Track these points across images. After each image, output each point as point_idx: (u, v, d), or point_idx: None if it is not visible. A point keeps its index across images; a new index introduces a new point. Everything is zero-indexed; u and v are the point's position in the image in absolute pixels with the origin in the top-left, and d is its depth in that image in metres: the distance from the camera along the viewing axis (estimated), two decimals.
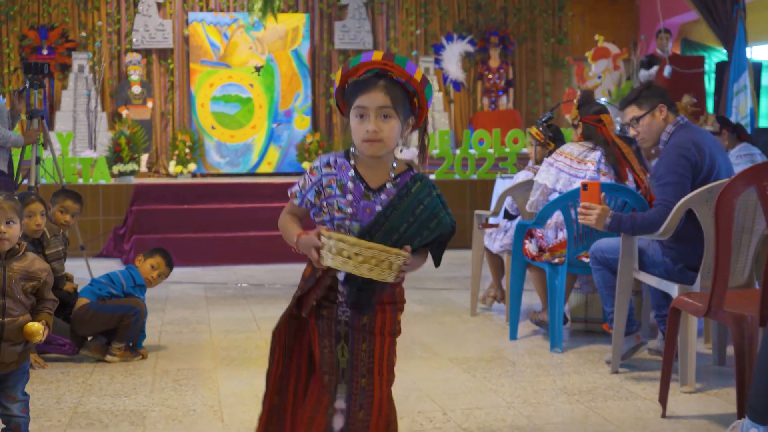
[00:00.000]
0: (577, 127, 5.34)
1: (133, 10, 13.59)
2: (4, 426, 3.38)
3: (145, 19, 13.54)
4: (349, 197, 2.60)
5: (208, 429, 3.74)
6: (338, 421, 2.59)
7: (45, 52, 13.25)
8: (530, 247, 5.32)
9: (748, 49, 13.19)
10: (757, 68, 11.94)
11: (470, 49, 14.28)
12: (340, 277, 2.59)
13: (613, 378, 4.51)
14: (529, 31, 14.84)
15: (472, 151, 11.38)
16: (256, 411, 4.00)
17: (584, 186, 4.31)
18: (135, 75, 13.36)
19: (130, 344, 5.01)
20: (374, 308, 2.62)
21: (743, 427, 3.25)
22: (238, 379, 4.60)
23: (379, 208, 2.59)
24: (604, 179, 5.05)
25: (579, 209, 4.31)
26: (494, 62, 14.51)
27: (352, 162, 2.63)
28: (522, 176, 5.98)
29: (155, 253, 5.38)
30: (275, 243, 9.49)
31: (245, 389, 4.40)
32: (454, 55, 14.15)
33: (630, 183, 5.12)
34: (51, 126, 12.50)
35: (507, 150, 11.33)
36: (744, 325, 3.44)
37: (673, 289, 4.24)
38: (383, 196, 2.60)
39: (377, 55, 2.60)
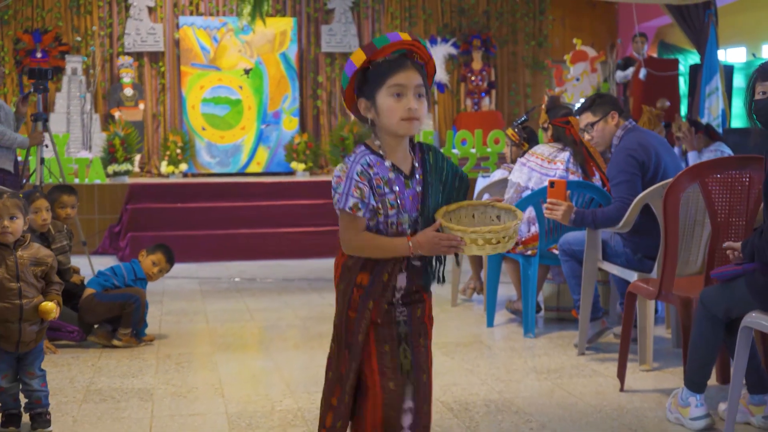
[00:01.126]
0: (547, 130, 5.76)
1: (125, 14, 13.92)
2: (27, 400, 3.79)
3: (136, 23, 13.87)
4: (396, 189, 2.58)
5: (211, 403, 4.14)
6: (407, 419, 2.60)
7: (39, 55, 13.57)
8: None
9: (721, 52, 13.68)
10: (728, 71, 12.38)
11: (454, 51, 14.66)
12: (401, 279, 2.64)
13: (580, 359, 4.93)
14: (511, 35, 15.23)
15: (455, 150, 11.81)
16: (253, 387, 4.45)
17: (551, 184, 4.72)
18: (127, 77, 13.70)
19: (134, 332, 5.40)
20: (424, 301, 2.70)
21: (682, 395, 3.68)
22: (236, 361, 5.00)
23: (419, 189, 2.61)
24: (572, 177, 5.47)
25: (546, 206, 4.73)
26: (477, 64, 14.90)
27: (383, 154, 2.61)
28: (498, 175, 6.41)
29: (157, 249, 5.78)
30: (265, 239, 9.95)
31: (243, 370, 4.80)
32: (438, 58, 14.51)
33: (596, 180, 5.54)
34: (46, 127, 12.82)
35: (488, 150, 11.76)
36: (690, 306, 3.87)
37: (633, 277, 4.65)
38: (417, 177, 2.62)
39: (405, 36, 2.60)
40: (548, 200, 4.71)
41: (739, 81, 13.14)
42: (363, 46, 2.59)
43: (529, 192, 5.53)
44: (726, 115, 11.62)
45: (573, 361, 4.90)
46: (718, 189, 3.81)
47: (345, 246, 2.62)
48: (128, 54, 13.83)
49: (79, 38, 13.69)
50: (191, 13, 14.07)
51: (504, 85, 15.27)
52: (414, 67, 2.56)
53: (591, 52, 12.74)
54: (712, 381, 4.01)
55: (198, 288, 7.78)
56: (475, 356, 5.04)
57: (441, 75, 14.49)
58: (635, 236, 4.74)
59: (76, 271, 5.75)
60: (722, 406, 3.75)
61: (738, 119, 12.68)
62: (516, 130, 6.32)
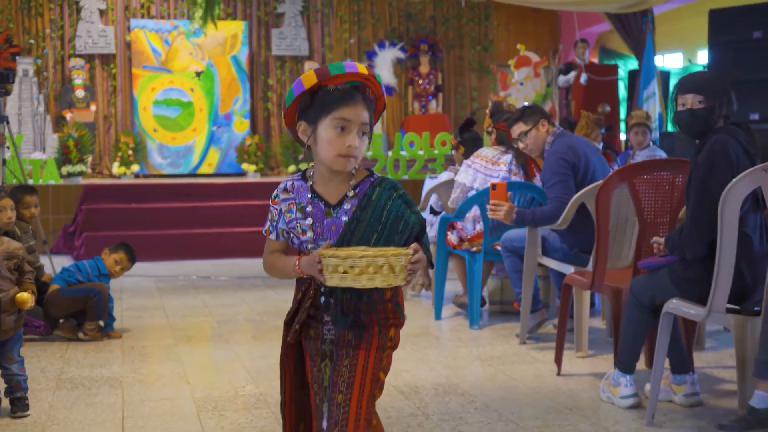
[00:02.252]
0: (491, 133, 6.12)
1: (77, 16, 14.04)
2: (6, 385, 4.04)
3: (87, 25, 14.00)
4: (309, 220, 2.53)
5: (178, 389, 4.42)
6: None
7: None
8: (452, 237, 6.08)
9: (660, 58, 14.22)
10: (666, 76, 12.88)
11: (401, 55, 14.99)
12: (321, 298, 2.53)
13: (521, 348, 5.29)
14: (457, 39, 15.61)
15: (403, 152, 12.15)
16: (217, 375, 4.73)
17: (493, 186, 5.07)
18: (78, 79, 13.83)
19: (102, 324, 5.64)
20: (363, 324, 2.52)
21: (613, 376, 4.05)
22: (198, 352, 5.28)
23: (344, 219, 2.51)
24: (514, 178, 5.83)
25: (489, 206, 5.08)
26: (424, 68, 15.26)
27: (309, 182, 2.56)
28: (445, 176, 6.76)
29: (119, 248, 6.02)
30: (218, 239, 10.19)
31: (205, 360, 5.09)
32: (386, 62, 14.84)
33: (537, 181, 5.90)
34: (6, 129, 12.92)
35: (435, 152, 12.12)
36: (620, 296, 4.24)
37: (570, 270, 5.01)
38: (347, 207, 2.52)
39: (362, 69, 2.51)
40: (491, 202, 5.06)
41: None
42: (316, 70, 2.48)
43: (474, 192, 5.87)
44: (663, 118, 12.10)
45: (515, 349, 5.25)
46: (646, 189, 4.18)
47: (264, 268, 2.67)
48: (79, 56, 13.96)
49: (31, 40, 13.78)
50: (143, 16, 14.24)
51: (451, 88, 15.65)
52: (364, 102, 2.48)
53: (534, 58, 13.16)
54: (642, 365, 4.39)
55: (155, 286, 8.01)
56: (425, 346, 5.37)
57: (389, 78, 14.81)
58: (571, 232, 5.10)
59: (41, 269, 5.98)
60: (648, 386, 4.12)
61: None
62: (453, 134, 6.67)
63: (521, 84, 12.98)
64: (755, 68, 9.57)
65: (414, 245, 2.39)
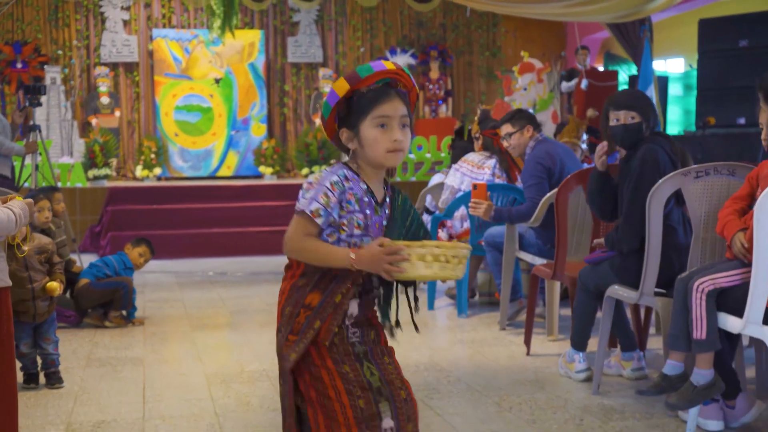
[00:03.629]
0: (478, 140, 6.72)
1: (101, 26, 14.73)
2: (42, 362, 4.68)
3: (112, 35, 14.69)
4: (367, 212, 2.53)
5: (192, 367, 5.05)
6: None
7: (19, 65, 14.36)
8: (442, 235, 6.68)
9: (662, 62, 14.77)
10: (663, 81, 13.41)
11: (412, 61, 15.58)
12: (353, 305, 2.55)
13: (500, 333, 5.88)
14: (466, 45, 16.20)
15: (411, 155, 12.76)
16: (226, 355, 5.35)
17: (474, 186, 5.67)
18: (103, 86, 14.52)
19: (124, 314, 6.28)
20: (372, 322, 2.62)
21: (569, 354, 4.64)
22: (213, 337, 5.92)
23: (384, 222, 2.57)
24: (498, 181, 6.43)
25: (470, 204, 5.67)
26: (434, 74, 15.86)
27: (361, 175, 2.56)
28: (436, 179, 7.36)
29: (141, 243, 6.69)
30: (235, 238, 10.83)
31: (217, 343, 5.72)
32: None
33: (519, 183, 6.49)
34: (25, 134, 13.63)
35: (442, 154, 12.72)
36: (576, 284, 4.83)
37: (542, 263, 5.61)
38: (386, 210, 2.58)
39: (390, 65, 2.55)
40: (472, 200, 5.65)
41: (675, 90, 14.20)
42: (346, 76, 2.53)
43: (461, 193, 6.47)
44: (660, 122, 12.63)
45: (495, 334, 5.85)
46: None
47: (286, 246, 2.53)
48: (104, 64, 14.64)
49: (59, 50, 14.47)
50: (164, 26, 14.91)
51: (460, 93, 16.23)
52: (398, 96, 2.52)
53: (537, 64, 13.69)
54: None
55: (175, 281, 8.65)
56: (413, 332, 5.95)
57: None
58: (545, 230, 5.68)
59: (74, 262, 6.64)
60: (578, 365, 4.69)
61: (672, 125, 13.73)
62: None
63: (525, 89, 13.51)
64: (741, 75, 10.10)
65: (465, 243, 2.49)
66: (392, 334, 2.64)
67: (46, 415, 4.13)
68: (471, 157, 6.63)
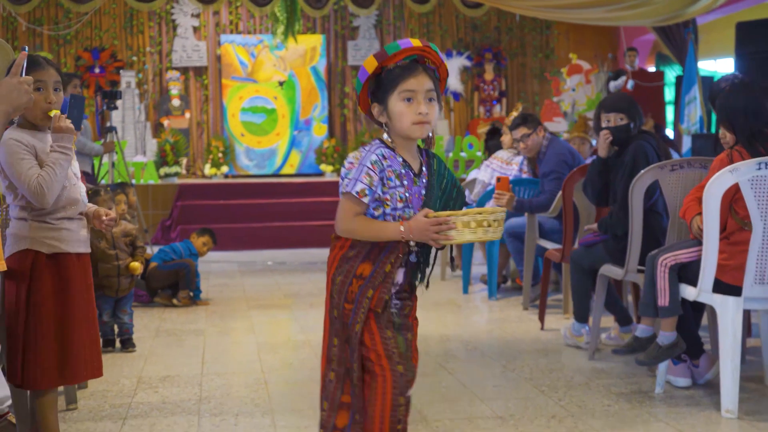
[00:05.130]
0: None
1: (173, 33, 15.63)
2: (118, 330, 5.47)
3: (183, 41, 15.58)
4: (406, 184, 2.68)
5: (246, 337, 5.81)
6: (408, 407, 2.74)
7: (97, 70, 15.34)
8: None
9: (712, 62, 15.19)
10: (709, 81, 13.84)
11: (468, 63, 16.22)
12: (400, 274, 2.75)
13: (523, 312, 6.52)
14: (520, 48, 16.76)
15: (462, 154, 13.41)
16: (276, 328, 6.09)
17: (498, 179, 6.31)
18: (175, 90, 15.43)
19: (191, 295, 7.06)
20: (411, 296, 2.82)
21: (574, 327, 5.26)
22: (266, 315, 6.67)
23: (423, 191, 2.71)
24: (524, 176, 7.06)
25: (494, 195, 6.32)
26: (489, 75, 16.47)
27: (397, 150, 2.70)
28: (473, 174, 8.02)
29: (205, 233, 7.50)
30: (295, 231, 11.59)
31: (269, 319, 6.48)
32: (453, 69, 16.06)
33: None
34: (103, 135, 14.60)
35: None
36: None
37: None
38: (423, 179, 2.72)
39: (416, 42, 2.67)
40: (495, 191, 6.29)
41: None
42: (375, 54, 2.70)
43: (491, 187, 7.12)
44: (703, 121, 13.08)
45: (518, 314, 6.49)
46: None
47: (339, 227, 2.71)
48: (176, 69, 15.54)
49: (133, 56, 15.41)
50: (231, 32, 15.76)
51: (514, 93, 16.80)
52: (425, 72, 2.66)
53: (585, 66, 14.24)
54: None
55: (237, 269, 9.44)
56: (446, 312, 6.64)
57: (456, 85, 16.05)
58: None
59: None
60: (603, 335, 5.32)
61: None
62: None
63: (573, 90, 14.08)
64: None
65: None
66: (426, 286, 2.85)
67: (120, 371, 4.91)
68: (500, 154, 7.28)
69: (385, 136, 2.72)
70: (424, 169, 2.73)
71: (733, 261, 3.92)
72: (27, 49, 2.95)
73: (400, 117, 2.65)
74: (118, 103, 10.09)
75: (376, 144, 2.70)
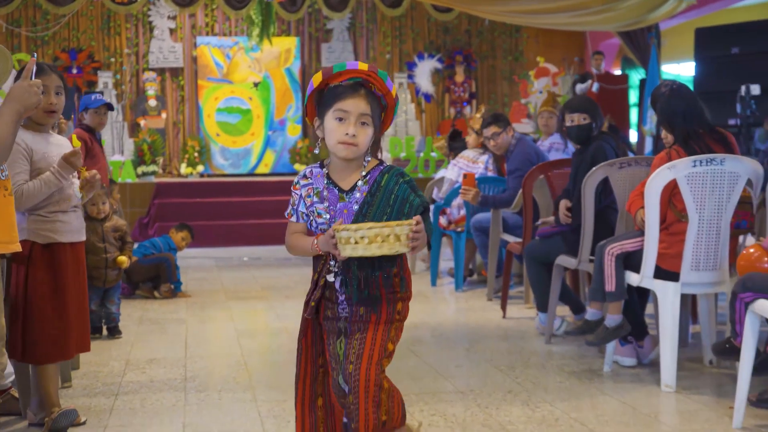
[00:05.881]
0: (480, 134, 7.73)
1: (149, 35, 15.89)
2: (105, 319, 5.80)
3: (159, 42, 15.84)
4: (326, 203, 2.78)
5: (225, 324, 6.16)
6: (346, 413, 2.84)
7: (75, 71, 15.57)
8: (443, 221, 7.71)
9: (675, 66, 15.67)
10: None
11: (439, 66, 16.60)
12: (330, 278, 2.81)
13: (487, 303, 6.90)
14: (490, 50, 17.15)
15: (432, 154, 13.80)
16: (254, 317, 6.44)
17: (464, 176, 6.69)
18: (151, 90, 15.70)
19: (172, 288, 7.38)
20: (375, 299, 2.78)
21: (542, 318, 5.63)
22: (244, 305, 7.02)
23: (355, 207, 2.76)
24: (490, 174, 7.45)
25: (460, 191, 6.69)
26: (459, 77, 16.86)
27: (325, 170, 2.81)
28: (441, 173, 8.40)
29: (183, 228, 7.85)
30: (270, 228, 11.91)
31: (247, 308, 6.83)
32: (425, 71, 16.46)
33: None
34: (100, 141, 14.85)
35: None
36: None
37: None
38: (357, 195, 2.76)
39: (363, 66, 2.74)
40: (462, 187, 6.67)
41: None
42: (322, 69, 2.78)
43: (458, 185, 7.50)
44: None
45: (482, 304, 6.88)
46: (557, 179, 5.78)
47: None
48: (152, 70, 15.79)
49: (111, 58, 15.67)
50: (207, 34, 16.04)
51: (484, 95, 17.19)
52: (366, 96, 2.73)
53: (552, 69, 14.69)
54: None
55: (214, 264, 9.77)
56: (415, 303, 6.92)
57: (427, 87, 16.43)
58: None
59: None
60: (557, 323, 5.69)
61: None
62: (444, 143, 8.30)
63: (540, 92, 14.51)
64: (733, 79, 11.04)
65: (416, 217, 2.67)
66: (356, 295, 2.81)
67: (109, 355, 5.25)
68: (467, 153, 7.66)
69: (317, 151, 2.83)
70: (359, 185, 2.78)
71: (672, 249, 4.33)
72: (35, 55, 3.29)
73: (329, 134, 2.75)
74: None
75: (311, 165, 2.89)
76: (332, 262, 2.80)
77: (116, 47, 15.83)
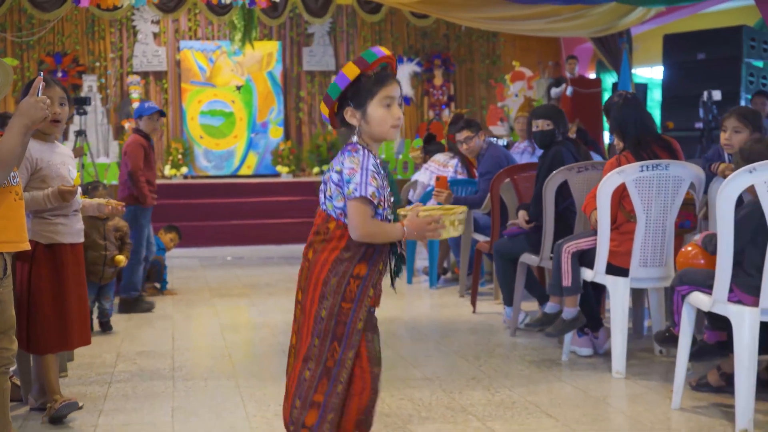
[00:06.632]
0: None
1: (133, 39, 16.16)
2: (98, 313, 6.14)
3: (143, 46, 16.12)
4: (385, 184, 2.87)
5: (210, 319, 6.52)
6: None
7: (60, 74, 15.86)
8: None
9: (647, 69, 16.09)
10: (643, 88, 14.74)
11: (418, 69, 16.93)
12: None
13: (459, 299, 7.27)
14: (468, 54, 17.50)
15: (412, 155, 14.16)
16: (238, 312, 6.80)
17: (437, 178, 7.05)
18: (135, 93, 15.96)
19: (158, 286, 7.72)
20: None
21: (506, 313, 6.00)
22: (228, 302, 7.37)
23: (389, 189, 2.90)
24: (460, 177, 7.82)
25: (433, 193, 7.04)
26: (438, 80, 17.22)
27: (373, 152, 2.86)
28: (416, 176, 8.77)
29: (171, 229, 8.24)
30: (252, 229, 12.27)
31: (231, 305, 7.18)
32: (404, 75, 16.75)
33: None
34: (66, 137, 15.15)
35: None
36: None
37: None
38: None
39: (387, 50, 2.86)
40: (435, 189, 7.02)
41: (656, 94, 15.53)
42: (354, 61, 2.83)
43: (430, 188, 7.87)
44: None
45: (454, 300, 7.25)
46: (523, 182, 6.15)
47: (357, 232, 2.78)
48: (136, 73, 16.06)
49: (96, 62, 15.95)
50: (190, 38, 16.33)
51: (462, 98, 17.55)
52: (396, 79, 2.88)
53: (528, 72, 15.08)
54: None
55: (198, 264, 10.11)
56: (390, 299, 7.32)
57: (407, 90, 16.78)
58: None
59: None
60: (521, 316, 6.05)
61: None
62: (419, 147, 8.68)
63: (516, 95, 14.91)
64: (699, 85, 11.43)
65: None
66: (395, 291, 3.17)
67: (101, 348, 5.60)
68: (437, 157, 8.04)
69: (354, 138, 2.85)
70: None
71: (622, 247, 4.72)
72: (42, 74, 3.63)
73: (380, 121, 2.81)
74: (88, 108, 10.66)
75: (358, 147, 2.83)
76: (401, 249, 2.92)
77: (101, 51, 16.08)
